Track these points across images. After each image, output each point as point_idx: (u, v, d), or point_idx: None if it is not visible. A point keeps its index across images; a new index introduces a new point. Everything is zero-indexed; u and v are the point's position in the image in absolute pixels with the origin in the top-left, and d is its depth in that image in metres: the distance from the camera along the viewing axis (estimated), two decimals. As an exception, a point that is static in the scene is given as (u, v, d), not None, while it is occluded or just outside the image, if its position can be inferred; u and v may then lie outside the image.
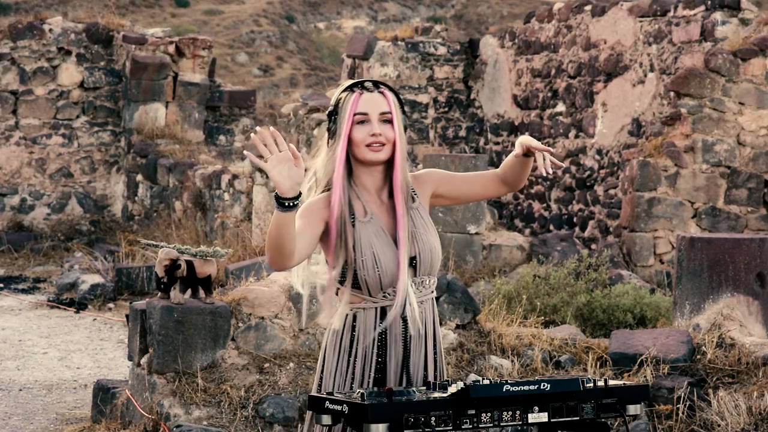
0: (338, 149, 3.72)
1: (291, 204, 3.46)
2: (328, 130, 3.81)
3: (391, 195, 3.77)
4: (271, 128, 3.50)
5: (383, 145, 3.72)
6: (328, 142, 3.79)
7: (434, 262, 3.79)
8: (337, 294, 3.78)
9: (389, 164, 3.77)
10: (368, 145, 3.72)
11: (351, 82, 3.79)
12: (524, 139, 3.79)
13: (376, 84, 3.77)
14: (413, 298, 3.73)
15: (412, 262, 3.74)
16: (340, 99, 3.76)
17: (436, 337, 3.83)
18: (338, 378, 3.76)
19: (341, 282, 3.74)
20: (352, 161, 3.77)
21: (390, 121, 3.74)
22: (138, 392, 6.60)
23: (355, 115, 3.72)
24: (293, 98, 20.19)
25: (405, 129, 3.80)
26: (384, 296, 3.71)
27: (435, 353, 3.81)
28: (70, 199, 16.32)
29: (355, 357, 3.73)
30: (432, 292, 3.82)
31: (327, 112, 3.81)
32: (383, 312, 3.73)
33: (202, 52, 16.31)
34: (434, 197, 3.89)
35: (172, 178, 15.09)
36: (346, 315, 3.76)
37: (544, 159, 3.74)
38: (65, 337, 10.05)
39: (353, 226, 3.71)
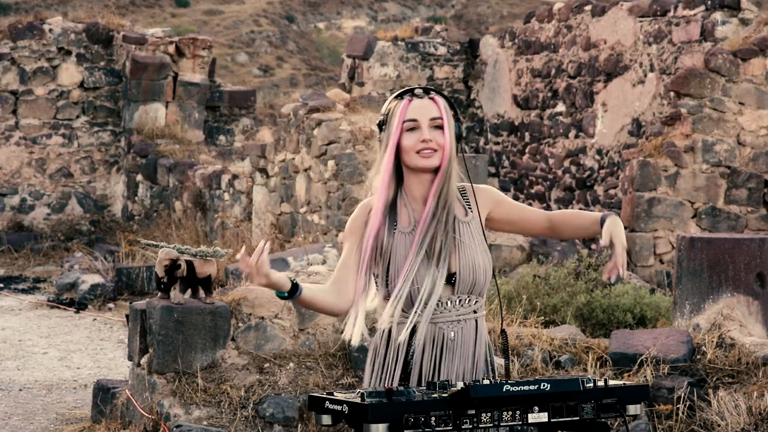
0: (385, 157, 3.65)
1: (290, 295, 3.51)
2: (380, 141, 3.72)
3: (442, 205, 3.67)
4: (240, 256, 3.48)
5: (434, 151, 3.63)
6: (380, 152, 3.71)
7: (477, 281, 3.67)
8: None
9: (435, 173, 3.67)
10: (418, 152, 3.63)
11: (401, 90, 3.71)
12: (615, 230, 3.65)
13: (427, 90, 3.69)
14: (425, 317, 3.62)
15: (451, 279, 3.64)
16: (390, 108, 3.68)
17: (477, 360, 3.73)
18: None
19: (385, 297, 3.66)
20: (403, 170, 3.69)
21: (441, 127, 3.65)
22: (138, 392, 6.60)
23: (404, 122, 3.64)
24: (293, 98, 20.18)
25: (459, 137, 3.69)
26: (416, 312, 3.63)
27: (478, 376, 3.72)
28: (70, 199, 16.32)
29: (388, 374, 3.69)
30: (474, 312, 3.70)
31: (377, 122, 3.73)
32: (414, 330, 3.65)
33: (202, 52, 16.31)
34: (488, 219, 3.77)
35: (172, 178, 15.09)
36: (383, 330, 3.69)
37: (615, 264, 3.63)
38: (65, 337, 10.05)
39: (392, 235, 3.65)
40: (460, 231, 3.67)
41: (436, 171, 3.67)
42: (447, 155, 3.64)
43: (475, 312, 3.71)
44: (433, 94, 3.68)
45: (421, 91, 3.69)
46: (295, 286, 3.52)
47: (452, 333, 3.67)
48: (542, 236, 3.82)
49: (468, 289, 3.67)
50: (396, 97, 3.71)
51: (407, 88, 3.74)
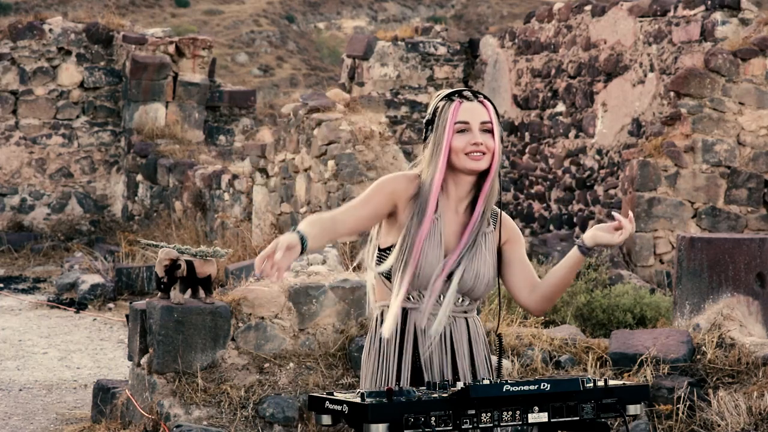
0: (440, 157, 3.69)
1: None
2: (425, 139, 3.77)
3: (469, 209, 3.75)
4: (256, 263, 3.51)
5: (483, 154, 3.69)
6: (423, 150, 3.77)
7: (477, 287, 3.74)
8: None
9: (479, 177, 3.74)
10: (468, 153, 3.69)
11: (449, 90, 3.77)
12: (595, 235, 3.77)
13: (475, 94, 3.75)
14: (427, 307, 3.69)
15: (450, 275, 3.71)
16: (438, 107, 3.73)
17: (474, 359, 3.78)
18: (371, 382, 3.78)
19: (386, 275, 3.72)
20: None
21: (490, 131, 3.71)
22: (138, 392, 6.60)
23: (456, 123, 3.69)
24: (293, 98, 20.18)
25: (501, 141, 3.76)
26: (409, 297, 3.71)
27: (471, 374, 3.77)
28: (70, 199, 16.32)
29: (380, 358, 3.75)
30: (465, 312, 3.77)
31: (425, 120, 3.78)
32: (404, 314, 3.72)
33: (202, 52, 16.31)
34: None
35: (172, 178, 15.10)
36: (376, 315, 3.77)
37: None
38: (65, 337, 10.05)
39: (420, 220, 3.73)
40: (479, 239, 3.76)
41: (478, 174, 3.74)
42: (496, 159, 3.71)
43: (465, 312, 3.77)
44: (481, 98, 3.74)
45: (470, 93, 3.75)
46: (303, 248, 3.55)
47: (441, 327, 3.72)
48: (518, 300, 3.84)
49: (465, 289, 3.74)
50: (444, 97, 3.75)
51: (454, 89, 3.78)
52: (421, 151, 3.81)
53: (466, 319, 3.78)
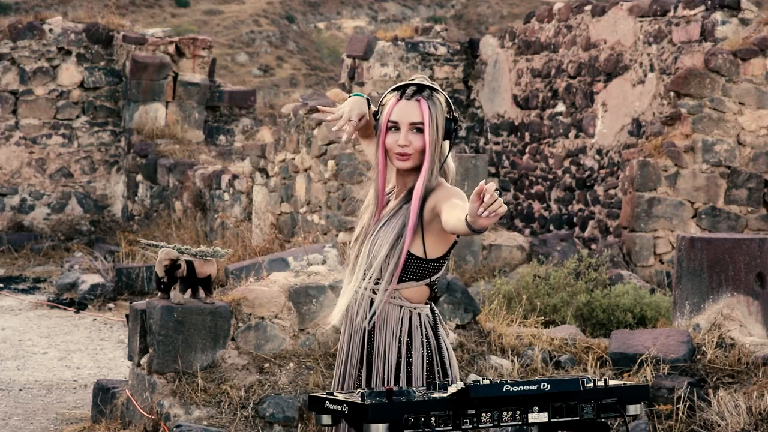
0: (379, 154, 3.85)
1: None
2: (375, 129, 3.91)
3: (406, 198, 3.85)
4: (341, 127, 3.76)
5: (410, 155, 3.80)
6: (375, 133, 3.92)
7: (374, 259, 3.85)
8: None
9: (419, 170, 3.83)
10: (396, 153, 3.81)
11: (401, 83, 3.88)
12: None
13: (421, 88, 3.82)
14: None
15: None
16: (384, 102, 3.87)
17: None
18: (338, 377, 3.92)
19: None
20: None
21: (422, 131, 3.79)
22: (138, 392, 6.60)
23: (388, 122, 3.82)
24: (293, 98, 20.20)
25: (452, 133, 3.81)
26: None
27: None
28: (70, 199, 16.32)
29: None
30: (373, 292, 3.85)
31: (374, 112, 3.92)
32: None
33: (202, 52, 16.31)
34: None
35: (172, 178, 15.10)
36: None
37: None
38: (65, 337, 10.05)
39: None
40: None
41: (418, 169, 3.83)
42: (427, 159, 3.78)
43: (373, 292, 3.84)
44: (420, 96, 3.80)
45: (411, 91, 3.81)
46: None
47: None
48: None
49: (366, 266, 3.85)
50: (393, 89, 3.87)
51: (405, 82, 3.86)
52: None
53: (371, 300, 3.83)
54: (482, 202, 3.29)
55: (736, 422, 6.24)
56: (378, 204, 3.86)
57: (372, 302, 3.80)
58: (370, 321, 3.79)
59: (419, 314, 3.80)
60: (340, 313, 3.85)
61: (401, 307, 3.79)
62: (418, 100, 3.80)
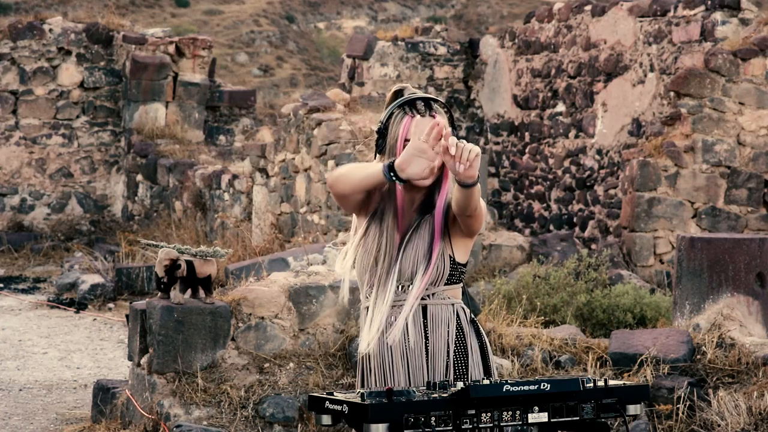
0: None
1: (390, 177, 3.63)
2: (377, 145, 3.83)
3: (421, 212, 3.81)
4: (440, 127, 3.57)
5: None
6: (375, 156, 3.84)
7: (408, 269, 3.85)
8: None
9: (433, 184, 3.79)
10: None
11: (402, 99, 3.79)
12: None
13: (429, 104, 3.79)
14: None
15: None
16: (391, 118, 3.79)
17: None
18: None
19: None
20: None
21: None
22: (138, 392, 6.60)
23: (405, 140, 3.75)
24: (293, 98, 20.19)
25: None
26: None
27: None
28: (70, 199, 16.32)
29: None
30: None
31: (377, 129, 3.83)
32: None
33: (202, 52, 16.31)
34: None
35: (172, 178, 15.10)
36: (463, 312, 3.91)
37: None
38: (65, 337, 10.05)
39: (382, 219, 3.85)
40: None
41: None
42: (448, 175, 3.74)
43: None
44: (434, 112, 3.78)
45: (422, 106, 3.78)
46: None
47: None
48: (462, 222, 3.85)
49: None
50: (399, 106, 3.79)
51: (409, 98, 3.80)
52: (374, 158, 3.87)
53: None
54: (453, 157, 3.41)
55: (736, 422, 6.24)
56: (399, 224, 3.79)
57: (424, 309, 3.78)
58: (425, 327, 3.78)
59: (464, 309, 3.84)
60: (400, 330, 3.75)
61: (453, 305, 3.80)
62: (433, 116, 3.77)
